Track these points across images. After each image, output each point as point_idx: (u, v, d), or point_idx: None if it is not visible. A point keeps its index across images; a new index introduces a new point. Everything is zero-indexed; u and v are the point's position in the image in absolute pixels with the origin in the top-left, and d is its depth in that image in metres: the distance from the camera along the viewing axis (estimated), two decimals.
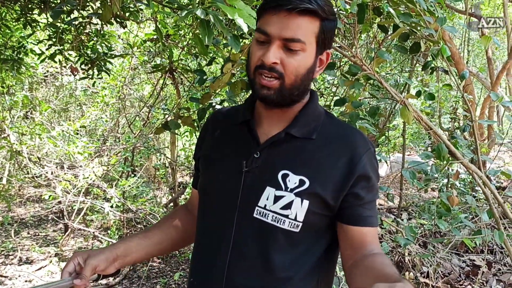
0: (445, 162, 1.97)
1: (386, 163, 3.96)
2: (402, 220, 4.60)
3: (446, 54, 1.90)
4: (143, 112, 6.62)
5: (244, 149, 1.11)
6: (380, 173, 7.39)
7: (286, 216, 1.03)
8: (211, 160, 1.20)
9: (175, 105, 5.48)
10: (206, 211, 1.18)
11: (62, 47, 3.36)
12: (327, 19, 1.03)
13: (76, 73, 3.33)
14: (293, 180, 1.04)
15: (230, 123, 1.20)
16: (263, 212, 1.05)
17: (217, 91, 2.24)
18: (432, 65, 2.03)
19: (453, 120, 4.50)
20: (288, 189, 1.03)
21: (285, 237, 1.04)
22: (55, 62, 3.46)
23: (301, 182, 1.03)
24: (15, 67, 3.52)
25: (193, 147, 7.03)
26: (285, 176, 1.04)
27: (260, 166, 1.08)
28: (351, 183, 1.04)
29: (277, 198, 1.04)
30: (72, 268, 1.09)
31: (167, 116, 5.67)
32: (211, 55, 2.56)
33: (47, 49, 3.41)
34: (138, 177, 6.09)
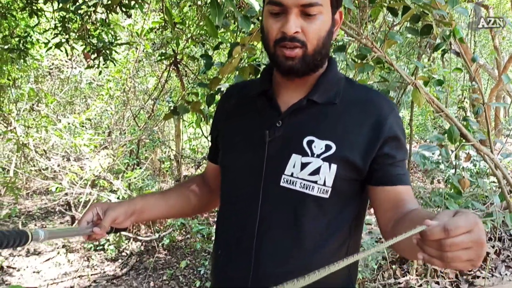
0: (456, 144, 1.95)
1: None
2: None
3: (459, 35, 1.88)
4: (147, 104, 6.62)
5: (265, 119, 1.10)
6: None
7: (315, 182, 1.01)
8: (232, 134, 1.18)
9: (180, 98, 5.47)
10: (231, 185, 1.16)
11: (68, 36, 3.35)
12: None
13: (89, 59, 3.33)
14: (319, 145, 1.02)
15: (248, 95, 1.18)
16: (290, 180, 1.03)
17: (225, 76, 2.22)
18: (443, 48, 2.01)
19: (460, 109, 4.48)
20: (315, 155, 1.02)
21: (315, 203, 1.03)
22: (61, 51, 3.45)
23: (328, 147, 1.02)
24: (22, 57, 3.52)
25: (199, 140, 7.04)
26: (310, 143, 1.03)
27: (283, 135, 1.06)
28: (379, 145, 1.02)
29: (304, 165, 1.02)
30: (90, 218, 1.10)
31: (171, 108, 5.65)
32: (218, 40, 2.55)
33: (52, 39, 3.41)
34: (143, 170, 6.10)
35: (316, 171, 1.01)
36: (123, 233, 5.22)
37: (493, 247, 3.59)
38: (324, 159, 1.01)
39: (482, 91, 2.19)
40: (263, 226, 1.06)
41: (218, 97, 2.30)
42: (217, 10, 1.53)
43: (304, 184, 1.02)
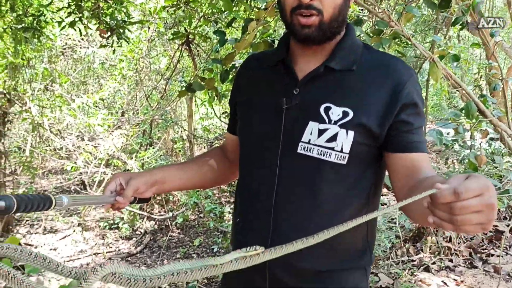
0: (473, 121, 1.93)
1: None
2: None
3: (478, 8, 1.84)
4: (160, 84, 6.62)
5: (282, 87, 1.10)
6: None
7: (332, 149, 1.02)
8: (250, 103, 1.19)
9: (192, 77, 5.47)
10: (249, 153, 1.18)
11: (81, 15, 3.35)
12: None
13: (104, 34, 3.33)
14: (336, 112, 1.02)
15: (265, 65, 1.18)
16: (307, 147, 1.04)
17: (239, 52, 2.21)
18: (462, 22, 1.97)
19: (476, 88, 4.41)
20: (332, 122, 1.02)
21: (333, 170, 1.03)
22: (75, 30, 3.45)
23: (345, 114, 1.02)
24: (36, 36, 3.53)
25: (211, 120, 7.05)
26: (327, 109, 1.03)
27: (301, 102, 1.06)
28: (397, 111, 1.02)
29: (321, 132, 1.02)
30: (114, 187, 1.12)
31: (184, 88, 5.66)
32: (231, 16, 2.53)
33: (66, 17, 3.41)
34: (156, 150, 6.14)
35: (333, 138, 1.02)
36: (137, 211, 5.29)
37: (508, 225, 3.58)
38: (341, 126, 1.01)
39: (500, 66, 2.16)
40: (281, 193, 1.07)
41: (232, 73, 2.29)
42: None
43: (321, 151, 1.02)
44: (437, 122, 2.19)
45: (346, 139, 1.01)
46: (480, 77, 4.53)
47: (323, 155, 1.02)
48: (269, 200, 1.08)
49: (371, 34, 2.08)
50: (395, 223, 3.72)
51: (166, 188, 1.22)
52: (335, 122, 1.02)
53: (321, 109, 1.03)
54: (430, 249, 3.50)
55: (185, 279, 0.71)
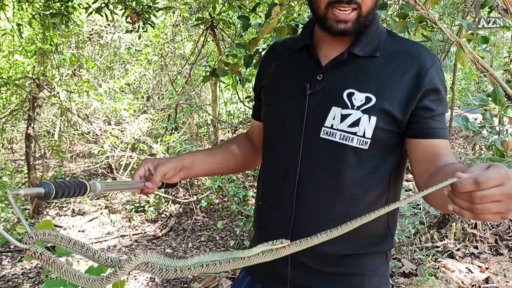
0: (501, 106, 1.89)
1: None
2: None
3: None
4: (185, 69, 6.66)
5: (306, 72, 1.11)
6: None
7: (354, 134, 1.03)
8: (274, 88, 1.20)
9: (216, 62, 5.47)
10: (272, 137, 1.19)
11: (107, 0, 3.39)
12: None
13: (135, 19, 3.37)
14: (359, 98, 1.03)
15: (290, 51, 1.20)
16: (330, 131, 1.05)
17: (263, 37, 2.21)
18: (491, 4, 1.92)
19: (506, 72, 4.29)
20: (355, 107, 1.03)
21: (354, 154, 1.05)
22: (102, 16, 3.50)
23: (368, 99, 1.03)
24: (64, 22, 3.60)
25: (235, 105, 7.06)
26: (350, 95, 1.04)
27: (324, 88, 1.07)
28: (419, 97, 1.02)
29: (344, 117, 1.04)
30: (142, 173, 1.15)
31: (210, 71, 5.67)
32: (256, 2, 2.52)
33: (93, 3, 3.45)
34: (181, 134, 6.21)
35: (355, 123, 1.03)
36: (162, 195, 5.38)
37: None
38: (364, 111, 1.02)
39: None
40: (304, 176, 1.08)
41: (256, 58, 2.30)
42: None
43: (343, 135, 1.04)
44: (463, 107, 2.16)
45: (368, 124, 1.02)
46: (511, 61, 4.41)
47: (346, 140, 1.04)
48: (291, 183, 1.10)
49: (396, 19, 2.05)
50: (420, 209, 3.70)
51: (193, 173, 1.24)
52: (358, 108, 1.03)
53: (344, 95, 1.04)
54: (454, 235, 3.47)
55: (214, 270, 0.74)
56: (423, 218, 3.57)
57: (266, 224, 1.19)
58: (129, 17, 3.40)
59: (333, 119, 1.05)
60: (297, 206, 1.09)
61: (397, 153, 1.10)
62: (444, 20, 5.25)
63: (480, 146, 6.62)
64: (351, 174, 1.05)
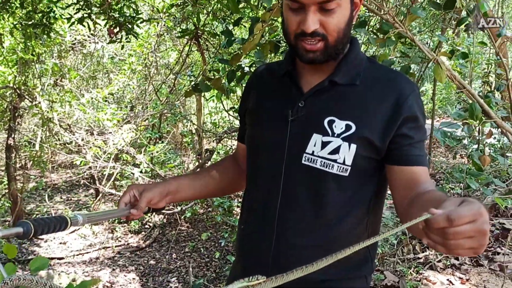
0: (478, 121, 1.93)
1: None
2: None
3: (484, 9, 1.83)
4: (169, 79, 6.65)
5: (288, 99, 1.13)
6: None
7: (335, 161, 1.05)
8: (257, 113, 1.22)
9: (201, 72, 5.47)
10: (255, 162, 1.21)
11: (90, 11, 3.37)
12: None
13: (113, 35, 3.36)
14: (339, 125, 1.05)
15: (273, 76, 1.21)
16: (311, 158, 1.07)
17: (246, 53, 2.22)
18: (467, 22, 1.96)
19: (485, 84, 4.37)
20: (335, 135, 1.05)
21: (335, 181, 1.06)
22: (84, 26, 3.48)
23: (348, 127, 1.05)
24: (45, 32, 3.57)
25: (220, 114, 7.05)
26: (331, 122, 1.06)
27: (306, 114, 1.09)
28: (398, 124, 1.04)
29: (324, 144, 1.06)
30: (128, 199, 1.16)
31: (193, 82, 5.68)
32: (238, 16, 2.54)
33: (75, 14, 3.43)
34: (165, 144, 6.18)
35: (336, 150, 1.05)
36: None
37: None
38: (344, 139, 1.04)
39: (506, 67, 2.15)
40: (286, 201, 1.10)
41: (238, 73, 2.31)
42: None
43: (324, 162, 1.06)
44: (441, 123, 2.19)
45: (348, 152, 1.04)
46: (489, 73, 4.49)
47: (326, 167, 1.06)
48: (273, 209, 1.11)
49: (375, 35, 2.08)
50: None
51: (179, 197, 1.26)
52: (338, 135, 1.05)
53: (325, 122, 1.06)
54: None
55: None
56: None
57: (247, 246, 1.20)
58: (107, 31, 3.38)
59: (314, 146, 1.06)
60: (279, 231, 1.10)
61: (377, 178, 1.11)
62: (425, 31, 5.33)
63: (461, 155, 6.71)
64: (331, 200, 1.07)
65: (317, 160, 1.06)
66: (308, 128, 1.08)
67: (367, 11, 2.73)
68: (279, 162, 1.11)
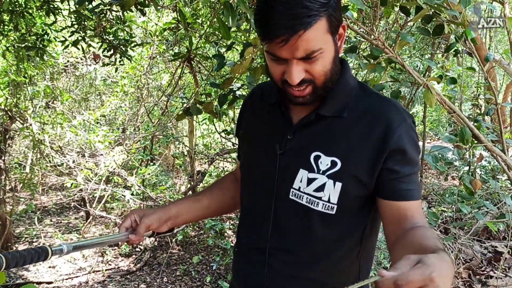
0: (468, 145, 1.95)
1: None
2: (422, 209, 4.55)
3: (471, 36, 1.87)
4: (161, 101, 6.66)
5: (278, 130, 1.12)
6: None
7: (320, 198, 1.03)
8: (249, 141, 1.23)
9: (193, 94, 5.50)
10: (248, 190, 1.21)
11: (84, 34, 3.40)
12: (331, 7, 0.93)
13: (98, 59, 3.38)
14: (325, 162, 1.03)
15: (265, 102, 1.19)
16: (298, 194, 1.05)
17: (238, 76, 2.24)
18: (456, 48, 2.00)
19: (474, 106, 4.44)
20: (321, 171, 1.03)
21: (321, 219, 1.04)
22: (78, 49, 3.50)
23: (333, 164, 1.02)
24: (39, 55, 3.58)
25: (212, 136, 7.05)
26: (317, 158, 1.04)
27: (294, 148, 1.08)
28: (384, 158, 1.00)
29: (310, 181, 1.04)
30: (128, 224, 1.19)
31: (185, 105, 5.71)
32: (231, 40, 2.57)
33: (69, 36, 3.45)
34: (157, 166, 6.15)
35: (321, 188, 1.03)
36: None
37: (506, 246, 3.57)
38: (329, 176, 1.02)
39: (494, 91, 2.18)
40: (276, 233, 1.09)
41: (230, 97, 2.32)
42: (230, 12, 1.54)
43: (310, 199, 1.04)
44: (433, 146, 2.21)
45: (333, 190, 1.02)
46: (479, 95, 4.56)
47: (311, 204, 1.04)
48: (264, 239, 1.11)
49: (366, 60, 2.11)
50: None
51: (181, 221, 1.27)
52: (324, 172, 1.03)
53: (311, 158, 1.04)
54: None
55: None
56: None
57: (242, 274, 1.21)
58: (93, 55, 3.41)
59: (301, 181, 1.05)
60: (270, 262, 1.10)
61: (369, 212, 1.09)
62: (414, 54, 5.41)
63: (452, 177, 6.75)
64: (319, 235, 1.06)
65: (303, 196, 1.05)
66: (295, 163, 1.07)
67: (357, 36, 2.77)
68: (269, 195, 1.10)
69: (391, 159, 1.01)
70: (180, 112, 2.13)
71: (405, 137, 1.01)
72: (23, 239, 5.66)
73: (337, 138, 1.04)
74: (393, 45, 1.93)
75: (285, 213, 1.08)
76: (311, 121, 1.07)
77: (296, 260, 1.08)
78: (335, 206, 1.03)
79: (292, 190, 1.06)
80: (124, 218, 1.20)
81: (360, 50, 2.76)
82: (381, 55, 1.92)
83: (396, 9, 2.38)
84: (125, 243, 1.19)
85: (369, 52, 2.12)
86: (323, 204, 1.03)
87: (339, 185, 1.01)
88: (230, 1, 1.39)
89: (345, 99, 1.07)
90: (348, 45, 2.11)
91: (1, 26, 3.69)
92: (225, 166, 6.91)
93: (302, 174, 1.05)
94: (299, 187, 1.05)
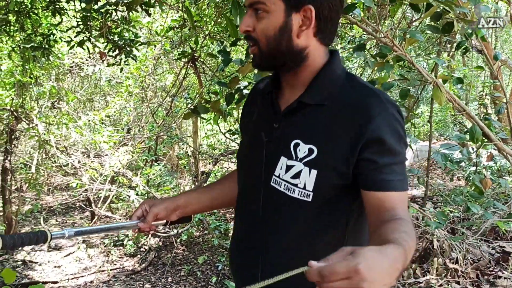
0: (478, 144, 1.93)
1: (412, 149, 3.89)
2: (428, 209, 4.53)
3: (481, 34, 1.85)
4: (166, 101, 6.67)
5: (267, 119, 1.14)
6: None
7: (296, 185, 1.04)
8: (245, 130, 1.27)
9: (197, 95, 5.51)
10: (240, 179, 1.24)
11: (89, 34, 3.40)
12: None
13: (104, 57, 3.38)
14: (302, 149, 1.04)
15: (263, 93, 1.22)
16: (277, 181, 1.07)
17: (244, 75, 2.23)
18: (465, 45, 1.98)
19: (481, 106, 4.41)
20: (298, 159, 1.04)
21: (298, 206, 1.04)
22: (84, 49, 3.50)
23: (310, 151, 1.03)
24: (45, 55, 3.59)
25: (216, 137, 7.06)
26: (296, 145, 1.05)
27: (279, 136, 1.09)
28: (360, 148, 0.98)
29: (288, 168, 1.05)
30: (140, 213, 1.26)
31: (189, 105, 5.71)
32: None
33: (75, 37, 3.46)
34: (162, 166, 6.16)
35: (297, 175, 1.04)
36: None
37: None
38: (305, 164, 1.03)
39: (504, 89, 2.17)
40: (264, 221, 1.12)
41: (237, 96, 2.31)
42: (238, 10, 1.53)
43: (287, 186, 1.05)
44: (442, 144, 2.19)
45: (308, 177, 1.02)
46: (485, 95, 4.53)
47: (288, 191, 1.05)
48: (256, 230, 1.13)
49: (375, 57, 2.10)
50: None
51: (189, 211, 1.33)
52: (301, 160, 1.04)
53: (291, 145, 1.05)
54: (437, 270, 3.46)
55: None
56: None
57: (236, 261, 1.23)
58: (99, 54, 3.42)
59: (280, 168, 1.06)
60: (265, 247, 1.12)
61: (351, 204, 1.07)
62: (420, 54, 5.40)
63: (458, 177, 6.71)
64: (297, 223, 1.06)
65: (281, 183, 1.06)
66: (277, 151, 1.08)
67: (364, 33, 2.76)
68: (258, 182, 1.12)
69: (369, 149, 0.99)
70: (187, 110, 2.12)
71: (384, 126, 0.99)
72: None
73: (317, 126, 1.05)
74: (401, 42, 1.92)
75: (268, 201, 1.10)
76: (294, 109, 1.08)
77: (285, 248, 1.08)
78: (311, 194, 1.03)
79: (273, 177, 1.08)
80: (136, 208, 1.26)
81: (365, 49, 2.75)
82: (389, 53, 1.91)
83: (403, 7, 2.37)
84: (137, 231, 1.25)
85: (377, 52, 2.11)
86: (299, 191, 1.03)
87: (314, 172, 1.01)
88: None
89: (329, 88, 1.06)
90: (354, 44, 2.10)
91: (7, 27, 3.70)
92: (230, 167, 6.91)
93: (283, 161, 1.06)
94: (279, 174, 1.07)
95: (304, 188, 1.02)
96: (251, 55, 1.08)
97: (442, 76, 1.92)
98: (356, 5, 1.87)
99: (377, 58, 2.07)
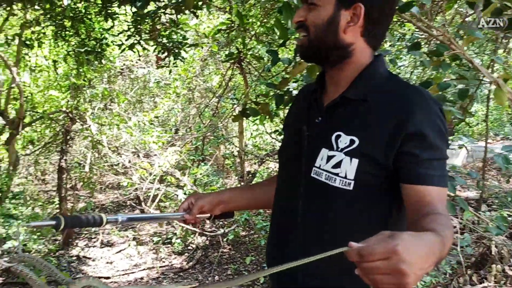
0: None
1: (466, 149, 3.74)
2: (483, 212, 4.35)
3: None
4: (212, 102, 6.76)
5: (310, 115, 1.18)
6: (456, 162, 7.00)
7: (337, 174, 1.06)
8: (288, 128, 1.33)
9: (243, 95, 5.53)
10: (280, 173, 1.27)
11: (139, 37, 3.49)
12: None
13: (160, 61, 3.47)
14: (344, 140, 1.07)
15: (307, 92, 1.26)
16: (318, 171, 1.10)
17: (294, 76, 2.21)
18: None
19: None
20: (339, 149, 1.07)
21: (339, 195, 1.06)
22: (134, 52, 3.60)
23: (351, 142, 1.06)
24: (98, 59, 3.71)
25: (261, 138, 7.07)
26: (338, 137, 1.08)
27: (321, 130, 1.13)
28: (400, 142, 1.01)
29: (329, 158, 1.08)
30: (186, 206, 1.34)
31: (235, 105, 5.76)
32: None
33: (126, 40, 3.56)
34: (208, 166, 6.23)
35: (338, 164, 1.06)
36: (189, 227, 5.35)
37: None
38: (346, 153, 1.05)
39: None
40: (302, 213, 1.13)
41: (286, 97, 2.29)
42: (289, 12, 1.52)
43: (328, 176, 1.08)
44: (504, 146, 2.09)
45: (350, 166, 1.05)
46: None
47: (329, 180, 1.07)
48: (293, 220, 1.14)
49: (430, 56, 2.03)
50: (456, 245, 3.53)
51: (232, 207, 1.39)
52: (342, 150, 1.07)
53: (333, 137, 1.09)
54: (495, 277, 3.31)
55: None
56: (460, 257, 3.41)
57: (271, 253, 1.24)
58: (156, 58, 3.50)
59: (321, 159, 1.09)
60: (302, 240, 1.13)
61: (391, 197, 1.07)
62: (475, 52, 5.18)
63: None
64: (337, 213, 1.08)
65: (322, 173, 1.09)
66: (319, 143, 1.11)
67: (416, 30, 2.68)
68: (297, 175, 1.15)
69: (410, 142, 1.01)
70: (233, 113, 2.13)
71: (425, 122, 1.01)
72: (83, 235, 5.89)
73: (359, 119, 1.09)
74: (459, 40, 1.84)
75: (308, 192, 1.12)
76: (337, 104, 1.12)
77: (322, 240, 1.09)
78: (352, 182, 1.05)
79: (314, 168, 1.11)
80: (184, 200, 1.34)
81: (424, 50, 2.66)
82: (446, 51, 1.84)
83: (457, 4, 2.28)
84: (183, 222, 1.33)
85: (433, 50, 2.03)
86: (340, 180, 1.06)
87: (355, 161, 1.04)
88: (289, 1, 1.37)
89: (371, 84, 1.11)
90: (404, 41, 2.03)
91: (63, 32, 3.86)
92: (275, 167, 6.89)
93: (324, 152, 1.09)
94: (320, 165, 1.09)
95: (345, 177, 1.05)
96: (299, 46, 1.14)
97: (503, 76, 1.83)
98: (413, 3, 1.81)
99: (432, 56, 2.00)
